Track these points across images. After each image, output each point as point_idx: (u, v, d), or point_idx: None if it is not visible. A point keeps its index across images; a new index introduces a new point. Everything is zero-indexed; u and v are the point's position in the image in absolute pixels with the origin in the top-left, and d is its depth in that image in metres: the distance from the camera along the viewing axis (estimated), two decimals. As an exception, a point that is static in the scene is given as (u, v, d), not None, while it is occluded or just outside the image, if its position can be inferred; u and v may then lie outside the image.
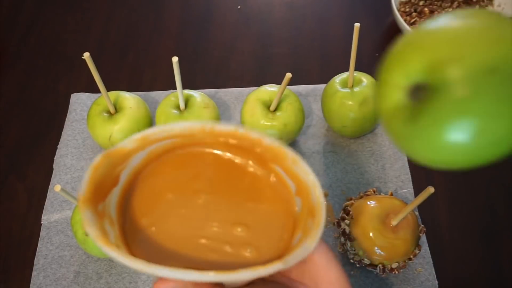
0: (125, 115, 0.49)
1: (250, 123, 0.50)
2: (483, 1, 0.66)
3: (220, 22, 0.67)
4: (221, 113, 0.58)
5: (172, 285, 0.29)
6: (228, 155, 0.35)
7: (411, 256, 0.44)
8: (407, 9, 0.66)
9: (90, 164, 0.30)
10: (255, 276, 0.27)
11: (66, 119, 0.57)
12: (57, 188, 0.38)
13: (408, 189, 0.53)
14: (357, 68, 0.50)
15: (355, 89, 0.50)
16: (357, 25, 0.45)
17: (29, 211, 0.52)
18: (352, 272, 0.48)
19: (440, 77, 0.23)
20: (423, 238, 0.50)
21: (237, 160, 0.35)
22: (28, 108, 0.60)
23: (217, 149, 0.35)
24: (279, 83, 0.48)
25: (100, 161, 0.31)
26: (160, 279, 0.29)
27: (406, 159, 0.55)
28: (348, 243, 0.45)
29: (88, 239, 0.44)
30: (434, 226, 0.51)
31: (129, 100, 0.51)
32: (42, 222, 0.51)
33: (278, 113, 0.49)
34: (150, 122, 0.53)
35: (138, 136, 0.32)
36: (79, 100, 0.59)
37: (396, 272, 0.44)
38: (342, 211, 0.47)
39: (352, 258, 0.46)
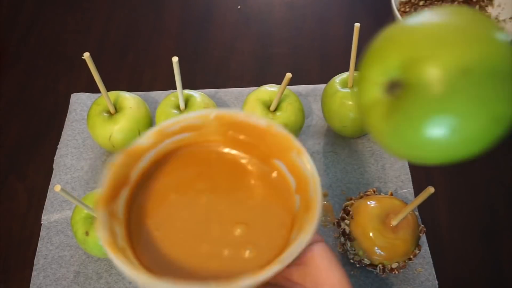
0: (125, 115, 0.49)
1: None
2: (483, 1, 0.66)
3: (220, 22, 0.67)
4: (221, 113, 0.58)
5: None
6: (233, 152, 0.35)
7: (411, 256, 0.44)
8: (407, 9, 0.66)
9: (110, 163, 0.30)
10: (257, 282, 0.27)
11: (66, 119, 0.57)
12: (57, 188, 0.38)
13: (408, 189, 0.53)
14: (357, 68, 0.50)
15: (355, 89, 0.50)
16: (357, 25, 0.45)
17: (29, 211, 0.52)
18: (352, 272, 0.48)
19: (414, 75, 0.24)
20: (423, 238, 0.50)
21: (241, 157, 0.35)
22: (28, 108, 0.60)
23: (223, 147, 0.35)
24: (279, 83, 0.48)
25: (120, 160, 0.31)
26: None
27: (406, 159, 0.55)
28: (348, 243, 0.45)
29: (88, 239, 0.44)
30: (434, 226, 0.51)
31: (129, 100, 0.51)
32: (42, 222, 0.51)
33: (278, 113, 0.49)
34: (150, 122, 0.53)
35: (154, 130, 0.32)
36: (79, 100, 0.59)
37: (396, 272, 0.44)
38: (342, 211, 0.47)
39: (352, 258, 0.46)
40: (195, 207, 0.33)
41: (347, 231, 0.45)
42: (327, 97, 0.52)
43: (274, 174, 0.34)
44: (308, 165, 0.31)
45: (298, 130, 0.52)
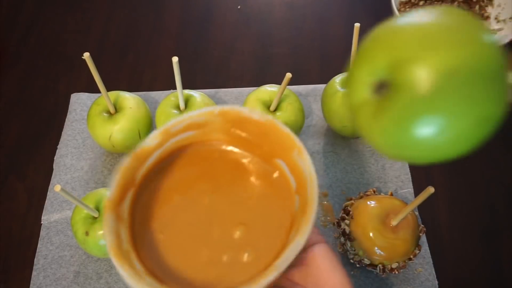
0: (125, 115, 0.49)
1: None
2: (483, 1, 0.66)
3: (220, 22, 0.67)
4: (221, 113, 0.58)
5: None
6: (236, 150, 0.35)
7: (411, 256, 0.44)
8: (407, 9, 0.66)
9: (118, 167, 0.30)
10: None
11: (66, 119, 0.57)
12: (57, 188, 0.38)
13: (408, 189, 0.53)
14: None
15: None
16: (357, 25, 0.45)
17: (29, 211, 0.52)
18: (352, 272, 0.48)
19: (401, 76, 0.24)
20: (423, 238, 0.50)
21: (243, 156, 0.35)
22: (28, 108, 0.60)
23: (226, 145, 0.35)
24: (279, 83, 0.48)
25: (129, 163, 0.31)
26: None
27: (406, 159, 0.55)
28: (348, 243, 0.45)
29: (88, 239, 0.44)
30: (434, 226, 0.51)
31: (129, 100, 0.51)
32: (42, 222, 0.51)
33: (278, 113, 0.49)
34: (150, 122, 0.52)
35: (159, 130, 0.32)
36: (79, 100, 0.59)
37: (396, 272, 0.44)
38: (342, 211, 0.47)
39: (352, 258, 0.46)
40: (198, 209, 0.33)
41: (347, 231, 0.45)
42: (327, 97, 0.52)
43: (276, 174, 0.34)
44: (307, 165, 0.31)
45: (298, 130, 0.52)
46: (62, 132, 0.56)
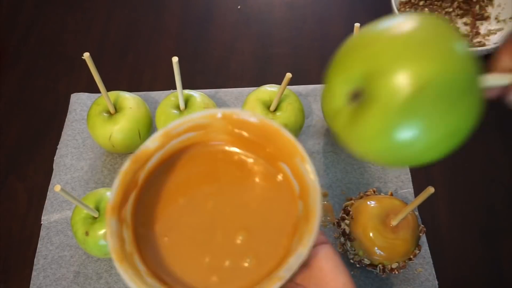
0: (125, 115, 0.49)
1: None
2: (483, 1, 0.66)
3: (220, 22, 0.67)
4: (221, 113, 0.58)
5: None
6: (239, 151, 0.35)
7: (411, 256, 0.44)
8: (407, 9, 0.66)
9: (119, 171, 0.30)
10: None
11: (66, 119, 0.57)
12: (57, 188, 0.38)
13: (408, 189, 0.53)
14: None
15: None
16: (357, 25, 0.45)
17: (29, 211, 0.52)
18: (352, 272, 0.48)
19: (374, 87, 0.25)
20: (423, 238, 0.50)
21: (247, 157, 0.35)
22: (28, 108, 0.60)
23: (229, 145, 0.35)
24: (279, 83, 0.48)
25: (128, 167, 0.31)
26: None
27: (406, 159, 0.55)
28: (348, 243, 0.45)
29: (88, 239, 0.44)
30: (434, 226, 0.51)
31: (129, 100, 0.51)
32: (42, 222, 0.51)
33: (278, 113, 0.49)
34: (150, 122, 0.52)
35: (160, 133, 0.32)
36: (79, 100, 0.59)
37: (396, 272, 0.44)
38: (342, 211, 0.47)
39: (352, 258, 0.46)
40: (202, 213, 0.33)
41: (347, 231, 0.45)
42: (327, 97, 0.52)
43: (280, 177, 0.34)
44: (311, 174, 0.31)
45: (298, 130, 0.52)
46: (62, 132, 0.56)
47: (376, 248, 0.43)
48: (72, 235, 0.50)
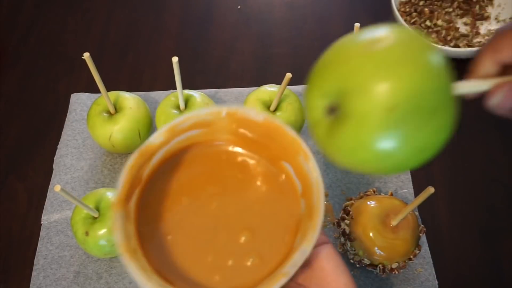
0: (125, 115, 0.49)
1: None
2: (483, 1, 0.66)
3: (220, 22, 0.67)
4: (221, 113, 0.58)
5: None
6: (243, 152, 0.35)
7: (411, 256, 0.44)
8: (407, 9, 0.66)
9: (126, 164, 0.30)
10: None
11: (66, 119, 0.57)
12: (57, 188, 0.38)
13: (408, 189, 0.53)
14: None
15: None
16: (357, 25, 0.45)
17: (29, 211, 0.52)
18: (352, 272, 0.48)
19: (348, 105, 0.25)
20: (423, 238, 0.50)
21: (250, 158, 0.35)
22: (28, 108, 0.60)
23: (233, 146, 0.35)
24: (279, 83, 0.48)
25: (135, 161, 0.31)
26: None
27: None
28: (348, 243, 0.45)
29: (88, 239, 0.44)
30: (434, 226, 0.51)
31: (129, 100, 0.51)
32: (42, 222, 0.51)
33: (278, 113, 0.49)
34: (150, 122, 0.52)
35: (165, 128, 0.32)
36: (79, 100, 0.59)
37: (396, 272, 0.44)
38: (342, 211, 0.47)
39: (352, 258, 0.46)
40: (206, 213, 0.33)
41: (347, 231, 0.45)
42: (327, 97, 0.52)
43: (282, 177, 0.34)
44: (314, 172, 0.31)
45: (298, 130, 0.52)
46: (62, 132, 0.56)
47: (376, 248, 0.43)
48: (72, 235, 0.50)
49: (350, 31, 0.45)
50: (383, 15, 0.67)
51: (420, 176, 0.54)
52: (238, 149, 0.35)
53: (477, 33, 0.64)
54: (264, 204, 0.33)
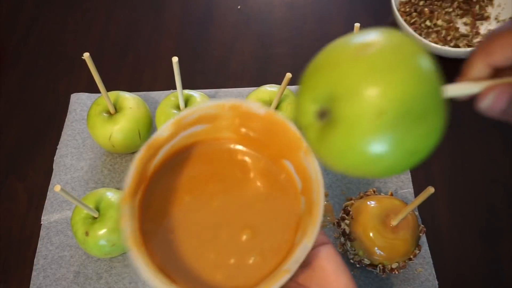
0: (125, 115, 0.49)
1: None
2: (483, 1, 0.66)
3: (220, 22, 0.67)
4: (221, 113, 0.58)
5: None
6: (244, 150, 0.35)
7: (411, 256, 0.44)
8: (407, 9, 0.66)
9: (135, 157, 0.30)
10: None
11: (66, 119, 0.57)
12: (57, 188, 0.38)
13: (408, 189, 0.53)
14: None
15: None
16: (357, 25, 0.45)
17: (29, 211, 0.52)
18: (352, 272, 0.48)
19: (338, 110, 0.26)
20: (423, 238, 0.50)
21: (252, 156, 0.35)
22: (28, 108, 0.60)
23: (235, 144, 0.35)
24: (279, 83, 0.48)
25: (144, 154, 0.31)
26: None
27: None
28: (348, 243, 0.45)
29: (88, 239, 0.44)
30: (434, 226, 0.51)
31: (129, 100, 0.51)
32: (42, 222, 0.51)
33: (278, 113, 0.49)
34: (150, 122, 0.52)
35: (172, 121, 0.33)
36: (79, 100, 0.59)
37: (396, 272, 0.44)
38: (342, 211, 0.47)
39: (352, 258, 0.46)
40: (208, 211, 0.33)
41: (347, 231, 0.45)
42: (327, 97, 0.52)
43: (283, 176, 0.34)
44: (313, 167, 0.31)
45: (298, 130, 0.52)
46: (62, 132, 0.56)
47: (376, 248, 0.43)
48: (72, 235, 0.50)
49: (350, 31, 0.45)
50: (383, 15, 0.67)
51: (420, 176, 0.54)
52: (240, 147, 0.35)
53: (477, 33, 0.64)
54: (265, 202, 0.34)
